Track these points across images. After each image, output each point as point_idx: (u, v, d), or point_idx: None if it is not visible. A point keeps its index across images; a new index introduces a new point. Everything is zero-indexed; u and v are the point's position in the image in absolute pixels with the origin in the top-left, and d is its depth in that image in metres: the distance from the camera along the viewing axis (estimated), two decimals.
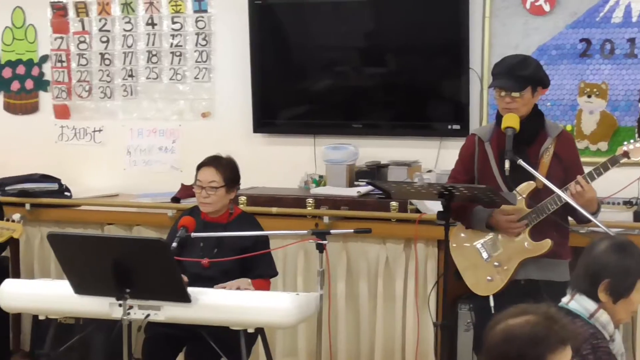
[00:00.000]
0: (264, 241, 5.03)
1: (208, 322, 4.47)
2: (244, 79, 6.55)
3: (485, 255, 4.58)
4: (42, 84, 7.11)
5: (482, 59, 6.09)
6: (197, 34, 6.73)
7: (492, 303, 4.52)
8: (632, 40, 5.83)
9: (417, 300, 5.55)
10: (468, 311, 5.40)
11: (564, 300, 3.51)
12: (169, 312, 4.40)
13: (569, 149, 4.55)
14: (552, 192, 4.35)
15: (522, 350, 2.68)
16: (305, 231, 4.79)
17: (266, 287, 4.99)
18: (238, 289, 4.75)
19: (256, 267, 4.95)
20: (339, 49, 6.48)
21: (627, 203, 5.50)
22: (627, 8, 5.83)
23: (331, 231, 4.77)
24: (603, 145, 5.89)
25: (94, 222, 6.28)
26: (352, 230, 4.84)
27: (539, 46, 5.97)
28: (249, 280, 4.86)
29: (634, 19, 5.82)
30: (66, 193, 6.50)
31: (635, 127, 5.84)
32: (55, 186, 6.49)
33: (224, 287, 4.74)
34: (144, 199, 6.35)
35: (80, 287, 4.45)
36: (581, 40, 5.92)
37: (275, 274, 5.10)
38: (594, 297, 3.43)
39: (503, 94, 4.48)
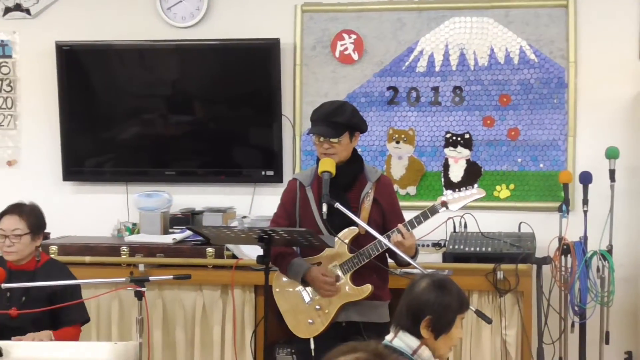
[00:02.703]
0: (74, 286, 4.88)
1: None
2: (52, 126, 6.42)
3: (307, 298, 4.62)
4: None
5: (293, 106, 6.21)
6: (2, 80, 6.53)
7: (312, 345, 4.56)
8: (435, 89, 6.09)
9: (235, 347, 5.53)
10: (287, 355, 5.44)
11: (388, 338, 3.59)
12: None
13: (387, 194, 4.67)
14: (373, 237, 4.44)
15: None
16: (122, 279, 4.70)
17: (75, 335, 4.83)
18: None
19: (66, 314, 4.80)
20: (148, 96, 6.45)
21: (436, 245, 5.70)
22: (430, 58, 6.09)
23: (150, 278, 4.69)
24: (412, 190, 6.10)
25: None
26: (172, 277, 4.77)
27: (348, 94, 6.15)
28: (50, 332, 4.69)
29: (437, 69, 6.08)
30: None
31: (441, 172, 6.08)
32: None
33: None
34: None
35: None
36: (388, 88, 6.13)
37: (87, 319, 4.95)
38: (417, 334, 3.52)
39: (322, 139, 4.56)
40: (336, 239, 4.53)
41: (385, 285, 4.68)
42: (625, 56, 5.91)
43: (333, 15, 6.19)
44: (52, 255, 5.61)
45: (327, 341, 4.40)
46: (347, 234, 4.55)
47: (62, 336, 4.72)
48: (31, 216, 4.90)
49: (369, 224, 4.48)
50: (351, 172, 4.61)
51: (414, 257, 4.51)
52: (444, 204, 4.55)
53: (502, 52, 6.02)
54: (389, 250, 4.47)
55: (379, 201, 4.60)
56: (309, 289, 4.64)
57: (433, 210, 4.52)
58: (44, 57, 6.42)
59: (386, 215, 4.62)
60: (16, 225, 4.83)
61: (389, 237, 4.46)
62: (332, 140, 4.53)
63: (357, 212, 4.52)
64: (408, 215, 4.57)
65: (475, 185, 4.66)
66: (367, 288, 4.54)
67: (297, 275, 4.62)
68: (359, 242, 4.55)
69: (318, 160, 4.62)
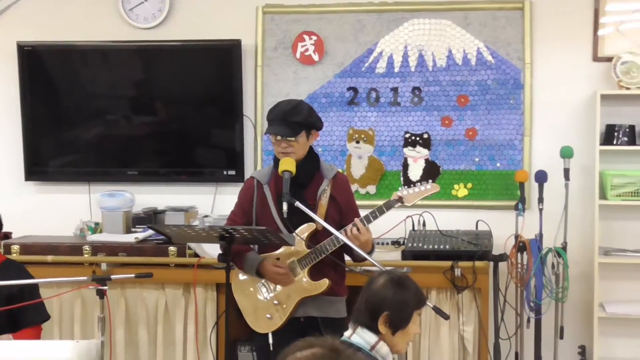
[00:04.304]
0: (32, 287, 4.84)
1: None
2: (14, 126, 6.43)
3: (265, 294, 4.67)
4: None
5: (255, 106, 6.27)
6: None
7: (270, 340, 4.61)
8: (395, 89, 6.18)
9: (197, 345, 5.58)
10: (248, 352, 5.51)
11: (346, 334, 3.66)
12: None
13: (343, 191, 4.73)
14: (331, 233, 4.52)
15: None
16: (84, 277, 4.73)
17: (36, 336, 4.82)
18: None
19: (25, 316, 4.77)
20: (110, 97, 6.49)
21: (395, 243, 5.78)
22: (390, 59, 6.18)
23: (112, 276, 4.71)
24: (372, 189, 6.18)
25: None
26: (134, 275, 4.81)
27: (309, 94, 6.22)
28: (10, 335, 4.67)
29: (396, 70, 6.17)
30: None
31: (401, 171, 6.17)
32: None
33: None
34: None
35: None
36: (349, 89, 6.21)
37: (46, 318, 4.91)
38: (374, 330, 3.60)
39: (279, 138, 4.63)
40: (297, 237, 4.59)
41: (342, 281, 4.74)
42: (580, 58, 6.03)
43: (294, 17, 6.26)
44: (14, 255, 5.63)
45: (285, 336, 4.45)
46: (304, 229, 4.60)
47: (23, 338, 4.68)
48: None
49: (326, 220, 4.54)
50: (308, 169, 4.66)
51: (370, 252, 4.58)
52: (399, 199, 4.63)
53: (460, 54, 6.12)
54: (345, 246, 4.54)
55: (336, 198, 4.67)
56: (267, 284, 4.69)
57: (388, 205, 4.59)
58: (5, 57, 6.43)
59: (343, 212, 4.68)
60: None
61: (344, 232, 4.53)
62: (289, 139, 4.60)
63: (314, 209, 4.57)
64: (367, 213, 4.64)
65: (430, 181, 4.73)
66: (325, 282, 4.60)
67: (251, 269, 4.67)
68: (317, 238, 4.61)
69: (275, 158, 4.68)
